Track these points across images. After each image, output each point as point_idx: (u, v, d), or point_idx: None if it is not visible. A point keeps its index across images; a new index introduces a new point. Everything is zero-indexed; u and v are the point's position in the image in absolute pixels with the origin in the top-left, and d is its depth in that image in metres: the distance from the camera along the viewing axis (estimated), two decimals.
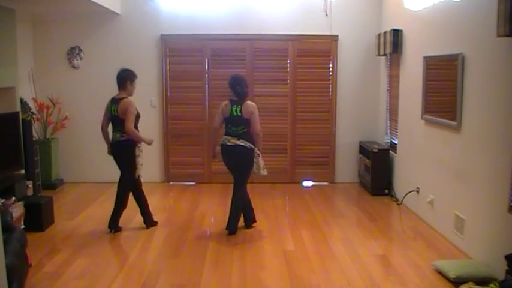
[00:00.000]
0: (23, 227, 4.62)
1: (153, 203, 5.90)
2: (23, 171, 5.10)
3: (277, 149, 6.82)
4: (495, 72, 3.73)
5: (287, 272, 3.85)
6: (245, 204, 4.87)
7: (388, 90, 6.49)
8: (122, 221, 5.14)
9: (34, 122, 6.25)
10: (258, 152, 4.74)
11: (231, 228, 4.71)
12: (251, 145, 4.68)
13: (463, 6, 4.27)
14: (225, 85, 6.94)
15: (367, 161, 6.34)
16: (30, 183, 5.52)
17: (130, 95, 4.86)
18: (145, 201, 4.98)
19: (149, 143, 4.89)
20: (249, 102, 4.74)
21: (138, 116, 4.79)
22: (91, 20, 6.67)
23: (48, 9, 6.41)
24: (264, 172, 4.80)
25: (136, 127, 4.75)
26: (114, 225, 4.79)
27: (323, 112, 6.83)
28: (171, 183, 6.89)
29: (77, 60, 6.75)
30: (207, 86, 6.78)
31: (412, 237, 4.77)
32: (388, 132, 6.51)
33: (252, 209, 4.95)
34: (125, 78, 4.86)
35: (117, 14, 6.60)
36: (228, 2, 6.66)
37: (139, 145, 4.79)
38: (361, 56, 6.80)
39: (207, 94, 6.78)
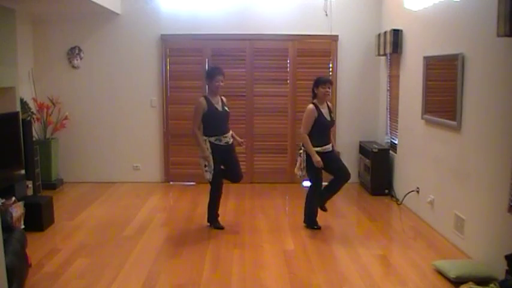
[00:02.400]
0: (23, 227, 4.61)
1: (153, 203, 5.93)
2: (23, 171, 5.10)
3: (277, 149, 6.82)
4: (495, 72, 3.73)
5: (287, 272, 3.85)
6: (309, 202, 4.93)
7: (388, 90, 6.49)
8: (123, 220, 5.15)
9: (34, 122, 6.24)
10: (301, 152, 4.79)
11: (305, 220, 4.94)
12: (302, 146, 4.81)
13: (463, 6, 4.26)
14: (225, 85, 6.98)
15: (367, 161, 6.34)
16: (30, 183, 5.52)
17: (213, 92, 4.80)
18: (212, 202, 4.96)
19: (202, 154, 4.72)
20: (309, 105, 4.78)
21: (208, 114, 4.70)
22: (91, 20, 6.67)
23: (48, 9, 6.41)
24: (298, 172, 4.83)
25: (210, 126, 4.72)
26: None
27: None
28: (171, 183, 6.89)
29: (77, 60, 6.75)
30: (207, 86, 6.76)
31: (412, 237, 4.77)
32: (388, 132, 6.51)
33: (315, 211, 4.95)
34: (205, 77, 4.91)
35: (117, 14, 6.60)
36: (228, 2, 6.66)
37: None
38: (361, 56, 6.80)
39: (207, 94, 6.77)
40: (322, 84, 4.71)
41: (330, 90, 4.78)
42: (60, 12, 6.56)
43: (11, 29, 4.98)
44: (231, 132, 4.86)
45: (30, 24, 6.61)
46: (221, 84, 4.76)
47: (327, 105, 4.85)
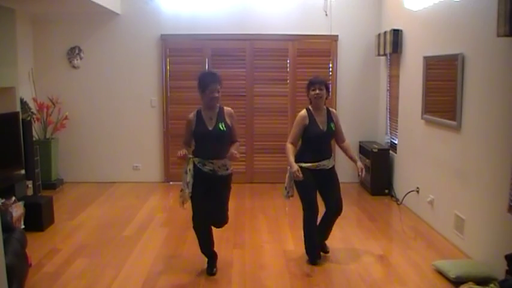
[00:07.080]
0: (23, 227, 4.61)
1: (153, 203, 5.93)
2: (23, 171, 5.10)
3: (277, 149, 6.80)
4: (495, 72, 3.73)
5: (287, 272, 3.85)
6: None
7: (388, 90, 6.49)
8: (123, 220, 5.15)
9: (34, 122, 6.24)
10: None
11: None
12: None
13: (463, 6, 4.27)
14: (225, 85, 6.98)
15: (367, 161, 6.34)
16: (30, 183, 5.53)
17: (208, 106, 3.73)
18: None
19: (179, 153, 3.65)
20: (302, 110, 4.11)
21: (195, 133, 3.73)
22: (91, 20, 6.67)
23: (48, 9, 6.41)
24: (283, 191, 4.20)
25: (197, 146, 3.77)
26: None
27: None
28: (171, 183, 6.89)
29: (77, 60, 6.75)
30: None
31: (412, 237, 4.77)
32: (388, 132, 6.51)
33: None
34: (197, 88, 3.74)
35: (117, 14, 6.60)
36: (228, 2, 6.66)
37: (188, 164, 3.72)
38: (361, 56, 6.80)
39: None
40: (312, 87, 3.97)
41: (323, 92, 3.95)
42: (60, 12, 6.56)
43: (11, 29, 4.99)
44: (223, 160, 3.71)
45: (30, 24, 6.60)
46: (216, 95, 3.65)
47: (328, 112, 4.08)
